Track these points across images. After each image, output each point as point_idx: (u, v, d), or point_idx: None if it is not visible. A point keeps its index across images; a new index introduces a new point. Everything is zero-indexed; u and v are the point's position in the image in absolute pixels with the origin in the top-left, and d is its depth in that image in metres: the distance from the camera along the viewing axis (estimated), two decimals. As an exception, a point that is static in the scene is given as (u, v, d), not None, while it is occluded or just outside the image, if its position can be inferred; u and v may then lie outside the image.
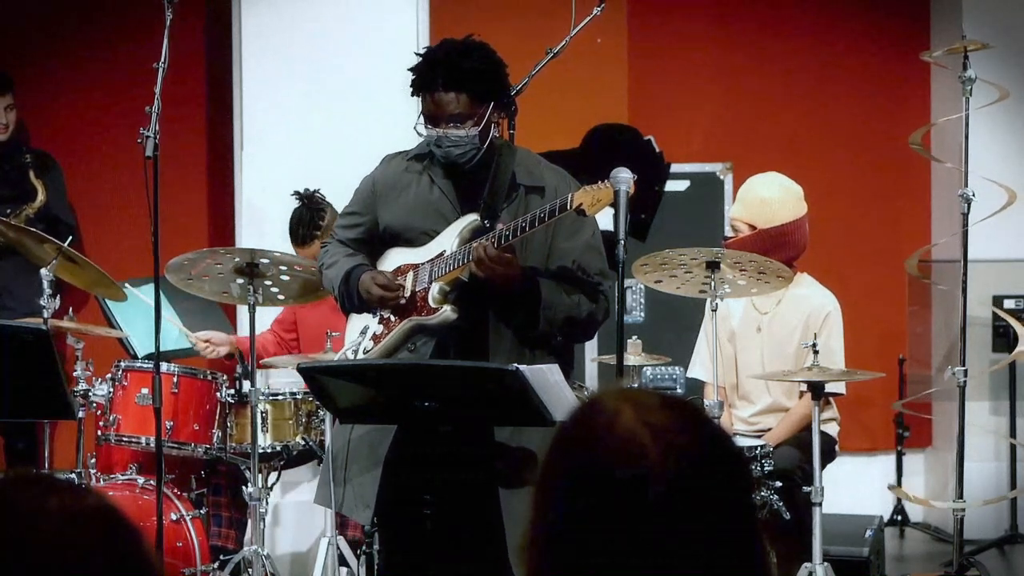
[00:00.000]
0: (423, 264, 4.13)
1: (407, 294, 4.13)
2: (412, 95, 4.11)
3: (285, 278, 5.22)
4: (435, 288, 4.08)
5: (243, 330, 6.06)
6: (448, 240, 4.09)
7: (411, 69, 4.09)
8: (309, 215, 5.84)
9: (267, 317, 6.00)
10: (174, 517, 5.38)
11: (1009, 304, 6.94)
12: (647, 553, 1.47)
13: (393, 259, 4.22)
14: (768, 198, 5.36)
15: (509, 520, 3.96)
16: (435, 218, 4.13)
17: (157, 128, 4.53)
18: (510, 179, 4.11)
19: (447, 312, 4.06)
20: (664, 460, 1.48)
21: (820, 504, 4.79)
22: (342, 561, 5.23)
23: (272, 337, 6.01)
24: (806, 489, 4.83)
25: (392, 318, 4.16)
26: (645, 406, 1.52)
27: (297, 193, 5.88)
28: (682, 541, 1.47)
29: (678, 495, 1.48)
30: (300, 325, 6.01)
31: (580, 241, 4.09)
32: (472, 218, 4.08)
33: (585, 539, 1.49)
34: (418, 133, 4.14)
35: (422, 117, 4.08)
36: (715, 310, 4.90)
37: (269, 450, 5.46)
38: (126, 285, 5.55)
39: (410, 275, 4.15)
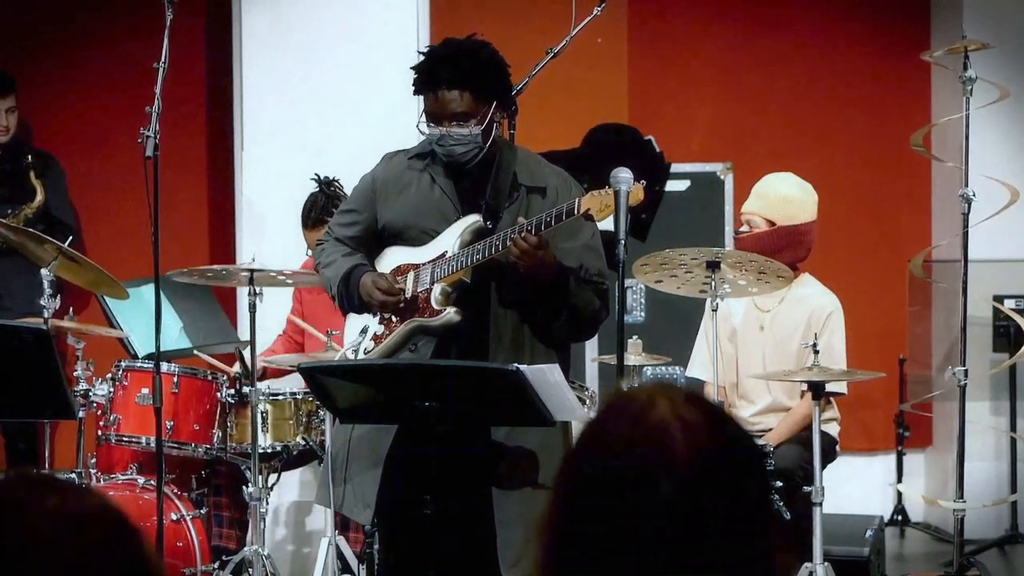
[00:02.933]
0: (424, 265, 4.12)
1: (408, 295, 4.13)
2: (415, 93, 4.10)
3: (288, 281, 5.27)
4: (437, 289, 4.08)
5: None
6: (449, 241, 4.08)
7: (414, 67, 4.09)
8: (324, 200, 5.81)
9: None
10: (174, 517, 5.38)
11: (1009, 304, 6.93)
12: (661, 547, 1.48)
13: (392, 258, 4.21)
14: (791, 196, 5.38)
15: (501, 523, 3.97)
16: (436, 218, 4.12)
17: (157, 128, 4.53)
18: (512, 179, 4.10)
19: (451, 314, 4.05)
20: (689, 455, 1.50)
21: (820, 504, 4.79)
22: (343, 564, 5.23)
23: (283, 340, 6.00)
24: (806, 489, 4.83)
25: (393, 319, 4.15)
26: (680, 401, 1.54)
27: (316, 177, 5.84)
28: (696, 538, 1.48)
29: (698, 491, 1.49)
30: (308, 318, 5.98)
31: (580, 242, 4.10)
32: (474, 219, 4.08)
33: (601, 530, 1.49)
34: (420, 132, 4.13)
35: (424, 115, 4.07)
36: (715, 310, 4.90)
37: (269, 450, 5.45)
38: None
39: (410, 275, 4.14)
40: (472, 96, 4.00)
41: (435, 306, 4.07)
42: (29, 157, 6.77)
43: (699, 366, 5.47)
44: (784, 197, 5.38)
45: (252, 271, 5.11)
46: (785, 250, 5.22)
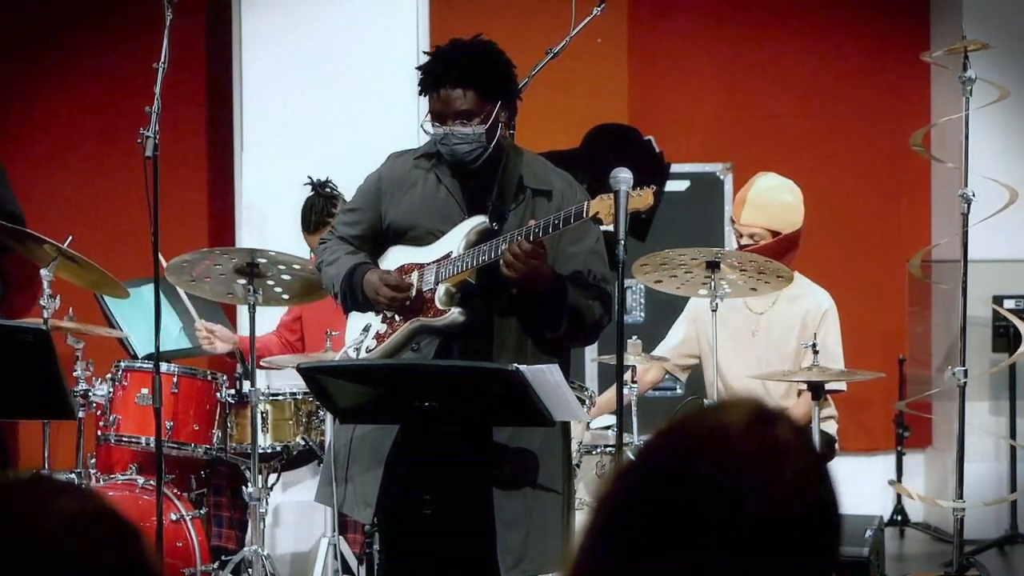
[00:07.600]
0: (429, 265, 4.11)
1: (412, 294, 4.12)
2: (420, 93, 4.09)
3: (286, 277, 5.22)
4: (441, 290, 4.07)
5: (243, 331, 6.06)
6: (455, 241, 4.08)
7: (419, 67, 4.09)
8: (322, 203, 5.81)
9: (268, 317, 5.99)
10: (174, 517, 5.38)
11: (1009, 304, 6.94)
12: (717, 562, 1.45)
13: (396, 257, 4.20)
14: (789, 204, 5.38)
15: (501, 524, 3.96)
16: (441, 218, 4.12)
17: (157, 128, 4.52)
18: (517, 182, 4.10)
19: (455, 315, 4.05)
20: (792, 484, 1.50)
21: (820, 504, 4.78)
22: (343, 564, 5.23)
23: (277, 339, 6.00)
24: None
25: (397, 318, 4.15)
26: (798, 431, 1.53)
27: (310, 180, 5.85)
28: (756, 565, 1.46)
29: (784, 522, 1.48)
30: (304, 323, 5.99)
31: (585, 246, 4.09)
32: (479, 220, 4.07)
33: (661, 536, 1.46)
34: (425, 131, 4.13)
35: (429, 114, 4.07)
36: (715, 310, 4.90)
37: (269, 450, 5.45)
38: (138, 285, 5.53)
39: (414, 275, 4.14)
40: (476, 94, 3.99)
41: (439, 306, 4.06)
42: None
43: (665, 346, 5.50)
44: (786, 206, 5.37)
45: (253, 262, 5.08)
46: (786, 255, 5.22)
